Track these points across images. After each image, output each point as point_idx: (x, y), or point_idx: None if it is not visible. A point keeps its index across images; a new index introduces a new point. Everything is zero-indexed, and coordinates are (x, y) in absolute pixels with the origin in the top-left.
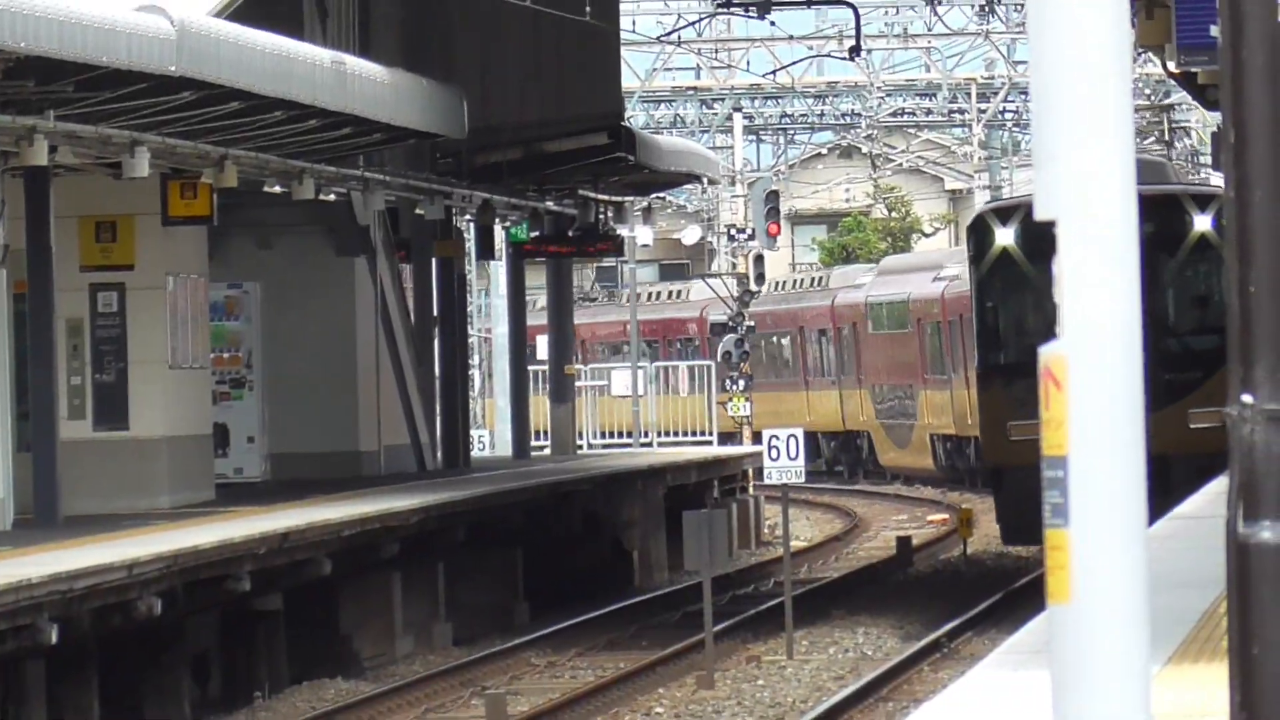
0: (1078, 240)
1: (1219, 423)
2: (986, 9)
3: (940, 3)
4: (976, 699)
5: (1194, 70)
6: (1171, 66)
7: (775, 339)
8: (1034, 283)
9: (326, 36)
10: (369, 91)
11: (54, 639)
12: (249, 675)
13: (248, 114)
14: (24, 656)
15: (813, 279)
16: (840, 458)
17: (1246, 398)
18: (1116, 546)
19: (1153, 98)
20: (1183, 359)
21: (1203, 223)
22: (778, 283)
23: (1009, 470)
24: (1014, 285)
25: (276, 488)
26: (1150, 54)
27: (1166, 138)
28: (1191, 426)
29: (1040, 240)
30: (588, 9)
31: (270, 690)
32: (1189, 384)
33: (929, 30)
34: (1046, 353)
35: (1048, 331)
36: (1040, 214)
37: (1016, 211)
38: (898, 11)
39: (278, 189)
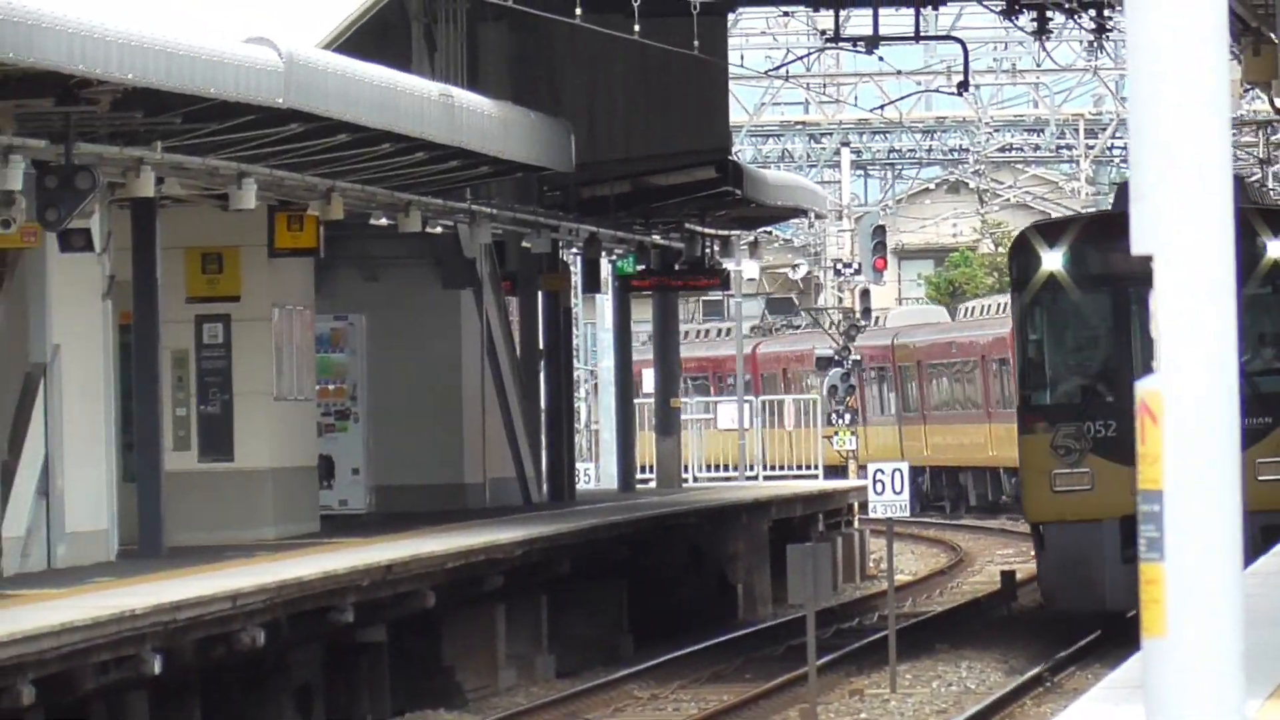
0: (1175, 276)
1: None
2: (1095, 45)
3: (1048, 38)
4: None
5: None
6: (1278, 103)
7: (956, 367)
8: (1085, 313)
9: (435, 69)
10: (477, 124)
11: (157, 669)
12: (352, 707)
13: (355, 146)
14: (127, 687)
15: (999, 304)
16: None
17: None
18: (1212, 581)
19: (1260, 133)
20: (1249, 402)
21: (1276, 248)
22: (967, 308)
23: (1052, 527)
24: (1062, 315)
25: (381, 520)
26: (1258, 90)
27: (1263, 156)
28: (1259, 480)
29: (1094, 265)
30: (696, 43)
31: None
32: (1257, 431)
33: (1037, 66)
34: (1143, 387)
35: (1099, 367)
36: (1137, 249)
37: (1067, 231)
38: (1006, 47)
39: (384, 221)
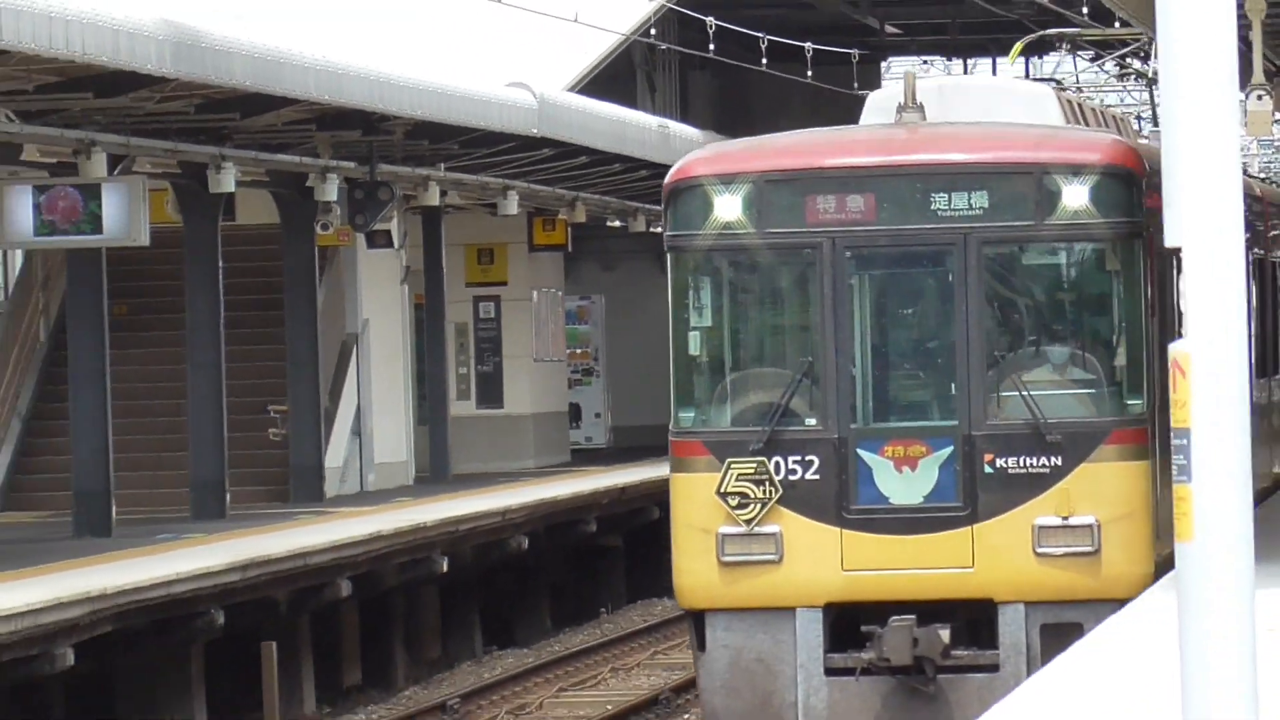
0: (1199, 262)
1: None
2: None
3: (1128, 80)
4: (1150, 612)
5: None
6: None
7: None
8: (779, 287)
9: (654, 106)
10: (687, 149)
11: (444, 569)
12: (595, 597)
13: (593, 166)
14: (421, 583)
15: None
16: None
17: None
18: (1228, 497)
19: None
20: (1028, 436)
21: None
22: None
23: (720, 617)
24: (742, 291)
25: (617, 453)
26: None
27: None
28: (1038, 552)
29: (796, 213)
30: (855, 84)
31: (612, 608)
32: (1035, 478)
33: (1120, 103)
34: (1175, 348)
35: (796, 371)
36: (1169, 242)
37: (752, 161)
38: (1093, 88)
39: (617, 223)
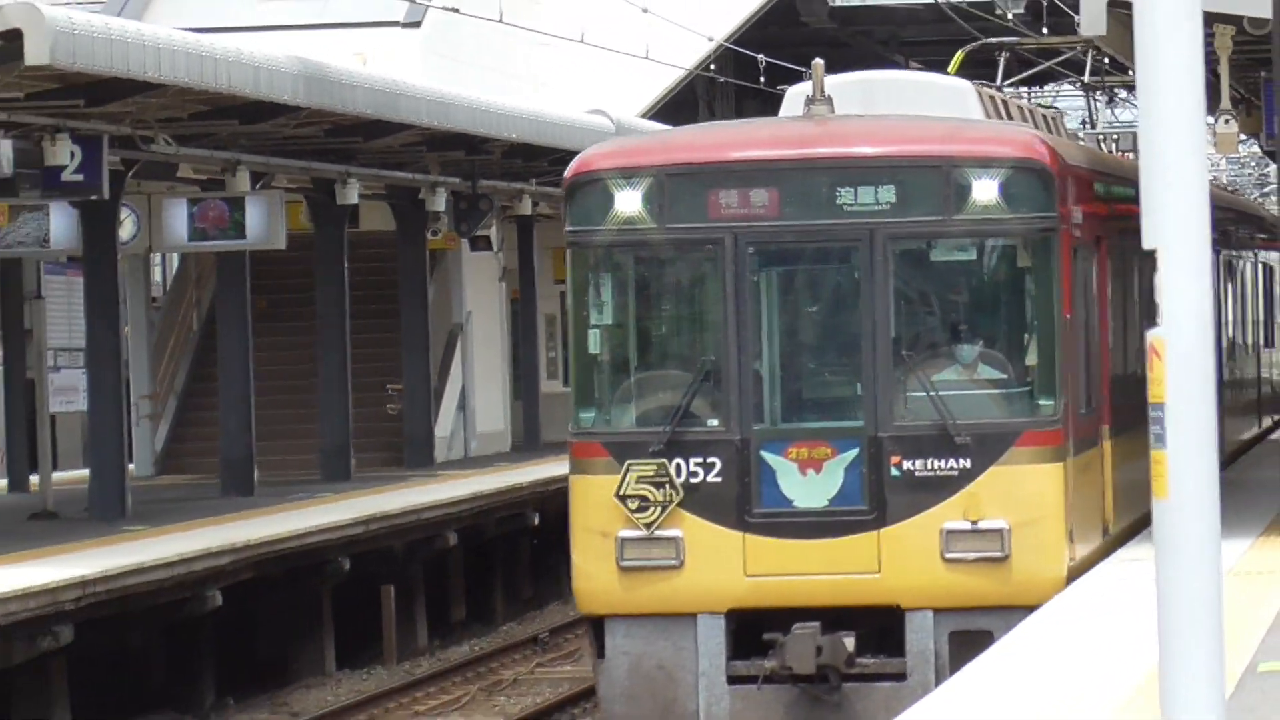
0: (1173, 261)
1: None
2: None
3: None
4: (1062, 618)
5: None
6: (1266, 146)
7: None
8: (681, 285)
9: None
10: None
11: (536, 523)
12: None
13: None
14: (517, 534)
15: None
16: None
17: None
18: (1197, 460)
19: (1255, 166)
20: (937, 438)
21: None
22: None
23: (619, 623)
24: (643, 288)
25: None
26: (1252, 138)
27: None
28: (946, 558)
29: (699, 207)
30: None
31: None
32: (943, 480)
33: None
34: (1152, 334)
35: (699, 370)
36: (1147, 245)
37: (655, 154)
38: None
39: None
